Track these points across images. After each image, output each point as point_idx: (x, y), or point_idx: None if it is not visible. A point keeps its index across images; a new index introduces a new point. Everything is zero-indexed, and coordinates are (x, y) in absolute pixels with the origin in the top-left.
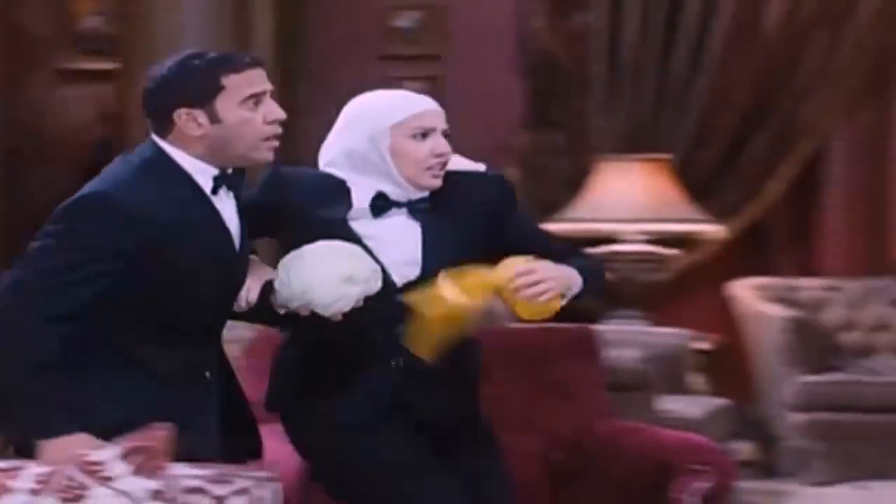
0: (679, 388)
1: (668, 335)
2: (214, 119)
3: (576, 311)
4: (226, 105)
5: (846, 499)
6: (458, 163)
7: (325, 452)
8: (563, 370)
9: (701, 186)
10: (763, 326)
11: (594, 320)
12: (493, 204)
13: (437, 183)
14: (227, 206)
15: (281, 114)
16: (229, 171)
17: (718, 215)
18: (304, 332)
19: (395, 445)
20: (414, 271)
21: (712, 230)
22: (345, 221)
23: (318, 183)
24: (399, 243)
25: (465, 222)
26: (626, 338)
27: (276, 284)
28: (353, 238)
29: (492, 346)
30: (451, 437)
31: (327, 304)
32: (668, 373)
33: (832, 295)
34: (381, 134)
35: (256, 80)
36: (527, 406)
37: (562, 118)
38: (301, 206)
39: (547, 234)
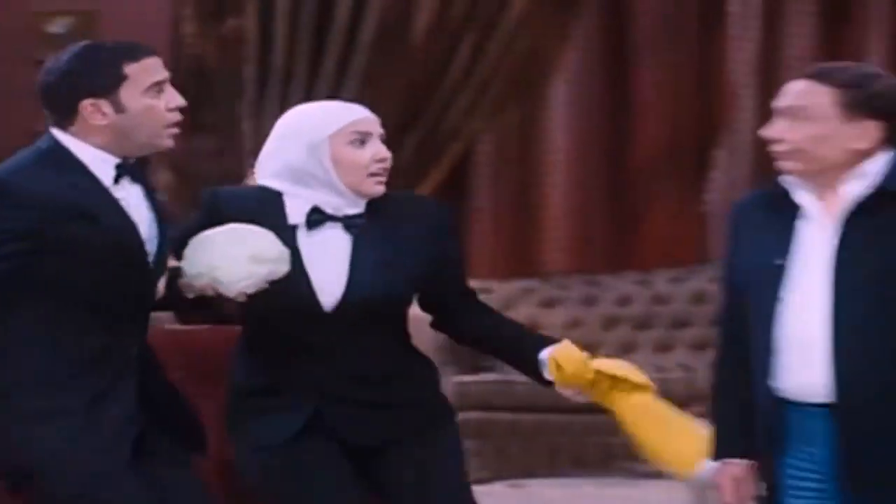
0: None
1: None
2: (119, 108)
3: (221, 314)
4: (129, 94)
5: (499, 496)
6: None
7: (248, 467)
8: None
9: None
10: (416, 328)
11: None
12: (430, 226)
13: (380, 190)
14: (131, 195)
15: (181, 101)
16: (131, 160)
17: None
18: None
19: (312, 462)
20: (340, 284)
21: None
22: (284, 232)
23: (254, 198)
24: (330, 257)
25: (399, 240)
26: None
27: (183, 263)
28: (294, 250)
29: (163, 346)
30: (372, 457)
31: (232, 281)
32: None
33: (483, 297)
34: (319, 144)
35: (156, 68)
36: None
37: (214, 122)
38: (239, 221)
39: (464, 273)
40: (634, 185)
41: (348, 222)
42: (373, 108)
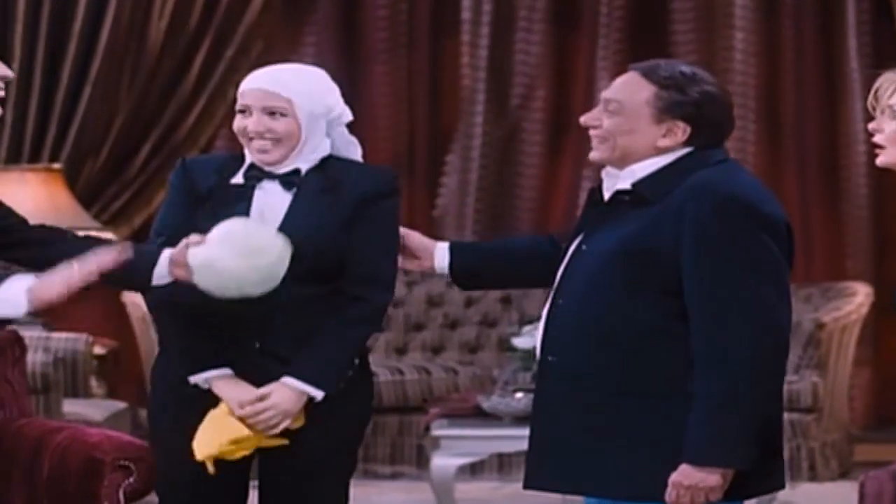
0: (80, 392)
1: (67, 340)
2: None
3: None
4: None
5: None
6: None
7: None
8: None
9: (90, 195)
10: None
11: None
12: (364, 192)
13: (264, 157)
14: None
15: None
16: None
17: (107, 223)
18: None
19: None
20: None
21: (103, 236)
22: (237, 189)
23: (218, 162)
24: (268, 213)
25: (338, 204)
26: (30, 343)
27: (204, 287)
28: (246, 199)
29: None
30: None
31: (260, 290)
32: (70, 376)
33: None
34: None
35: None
36: None
37: None
38: (203, 186)
39: (379, 251)
40: None
41: (284, 179)
42: (110, 114)
